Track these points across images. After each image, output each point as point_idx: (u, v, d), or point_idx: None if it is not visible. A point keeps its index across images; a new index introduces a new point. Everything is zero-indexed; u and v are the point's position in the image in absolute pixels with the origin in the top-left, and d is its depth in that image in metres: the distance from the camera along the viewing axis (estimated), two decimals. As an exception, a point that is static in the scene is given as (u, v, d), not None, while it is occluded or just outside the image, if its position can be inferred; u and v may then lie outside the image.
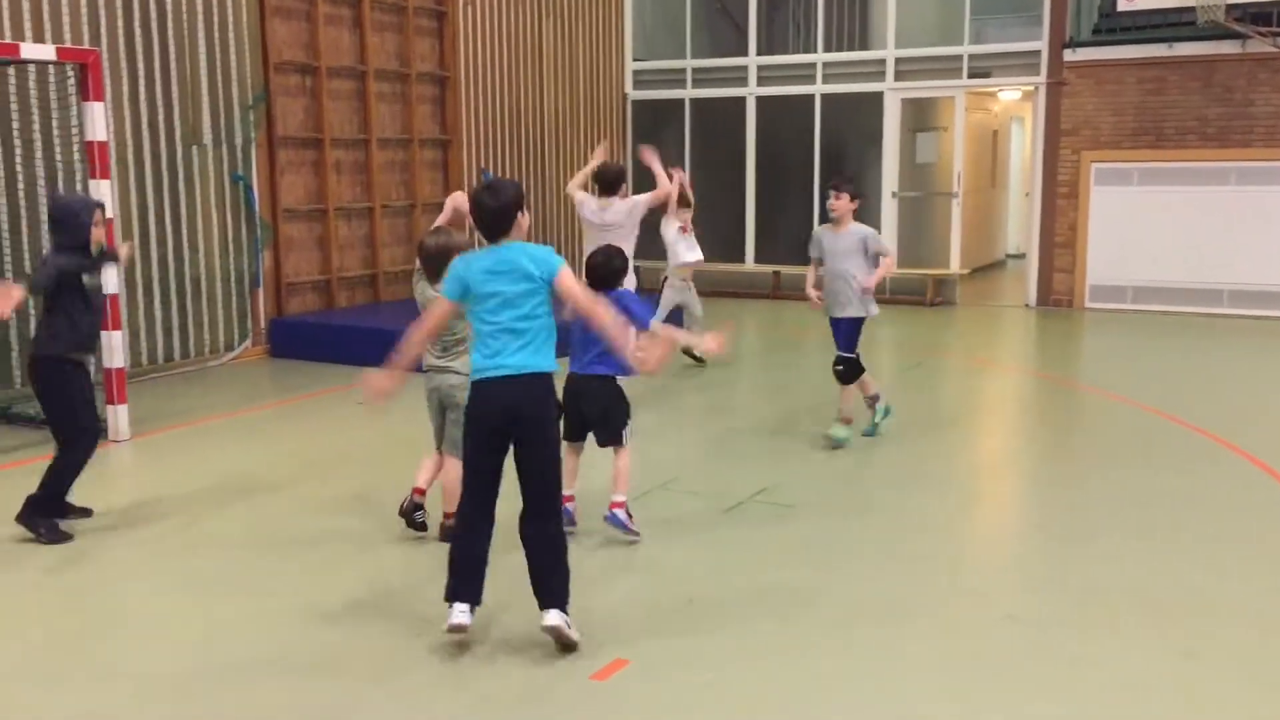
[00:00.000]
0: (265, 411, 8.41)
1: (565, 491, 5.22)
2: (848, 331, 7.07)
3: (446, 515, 5.35)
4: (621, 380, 5.37)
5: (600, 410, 5.28)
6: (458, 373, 5.25)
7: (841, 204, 6.91)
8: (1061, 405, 8.80)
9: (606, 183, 7.82)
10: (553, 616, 4.11)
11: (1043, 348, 11.64)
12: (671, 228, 9.51)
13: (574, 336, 5.21)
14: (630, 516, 5.30)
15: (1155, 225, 12.78)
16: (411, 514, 5.40)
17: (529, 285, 4.06)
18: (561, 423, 4.95)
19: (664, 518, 5.65)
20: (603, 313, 4.27)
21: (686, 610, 4.61)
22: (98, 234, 5.54)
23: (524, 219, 4.20)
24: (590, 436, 5.46)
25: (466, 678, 4.03)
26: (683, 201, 9.67)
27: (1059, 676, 4.04)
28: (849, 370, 7.08)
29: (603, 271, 5.26)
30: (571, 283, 4.12)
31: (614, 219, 7.62)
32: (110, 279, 7.22)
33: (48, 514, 5.51)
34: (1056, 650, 4.24)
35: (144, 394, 8.57)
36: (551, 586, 4.15)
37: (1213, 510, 5.93)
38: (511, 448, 4.14)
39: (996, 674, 4.07)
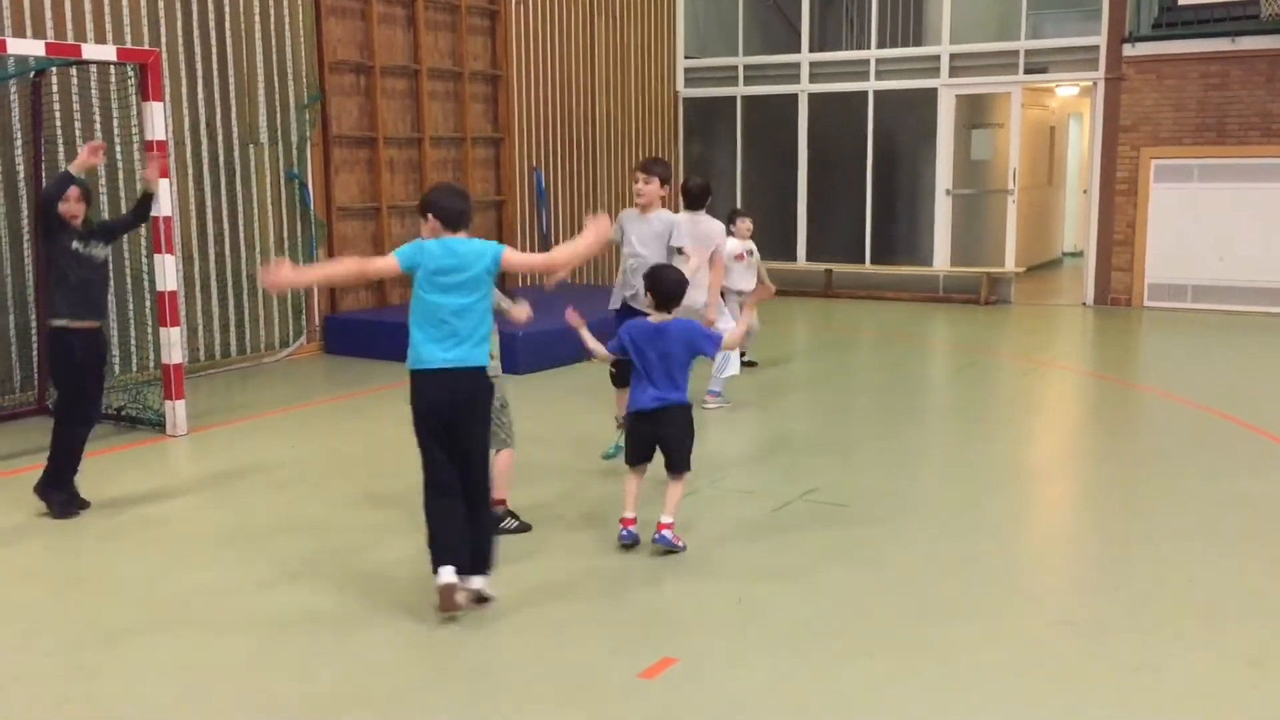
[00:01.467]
0: (319, 407, 8.50)
1: (627, 514, 5.25)
2: None
3: (494, 502, 5.38)
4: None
5: (678, 436, 5.25)
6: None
7: (651, 189, 6.31)
8: (1119, 406, 8.65)
9: (693, 196, 7.44)
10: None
11: (1100, 347, 11.45)
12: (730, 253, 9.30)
13: (649, 370, 5.22)
14: (676, 535, 5.22)
15: (1217, 223, 12.53)
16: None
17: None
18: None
19: (713, 516, 5.63)
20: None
21: (735, 609, 4.59)
22: (65, 209, 5.71)
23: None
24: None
25: (514, 675, 4.04)
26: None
27: (1117, 683, 3.96)
28: (623, 375, 6.09)
29: (676, 290, 5.30)
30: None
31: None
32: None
33: (61, 487, 5.69)
34: (1114, 656, 4.16)
35: (201, 389, 8.70)
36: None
37: (1276, 514, 5.79)
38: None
39: (1052, 680, 4.00)
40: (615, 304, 6.65)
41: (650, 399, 5.19)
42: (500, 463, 5.37)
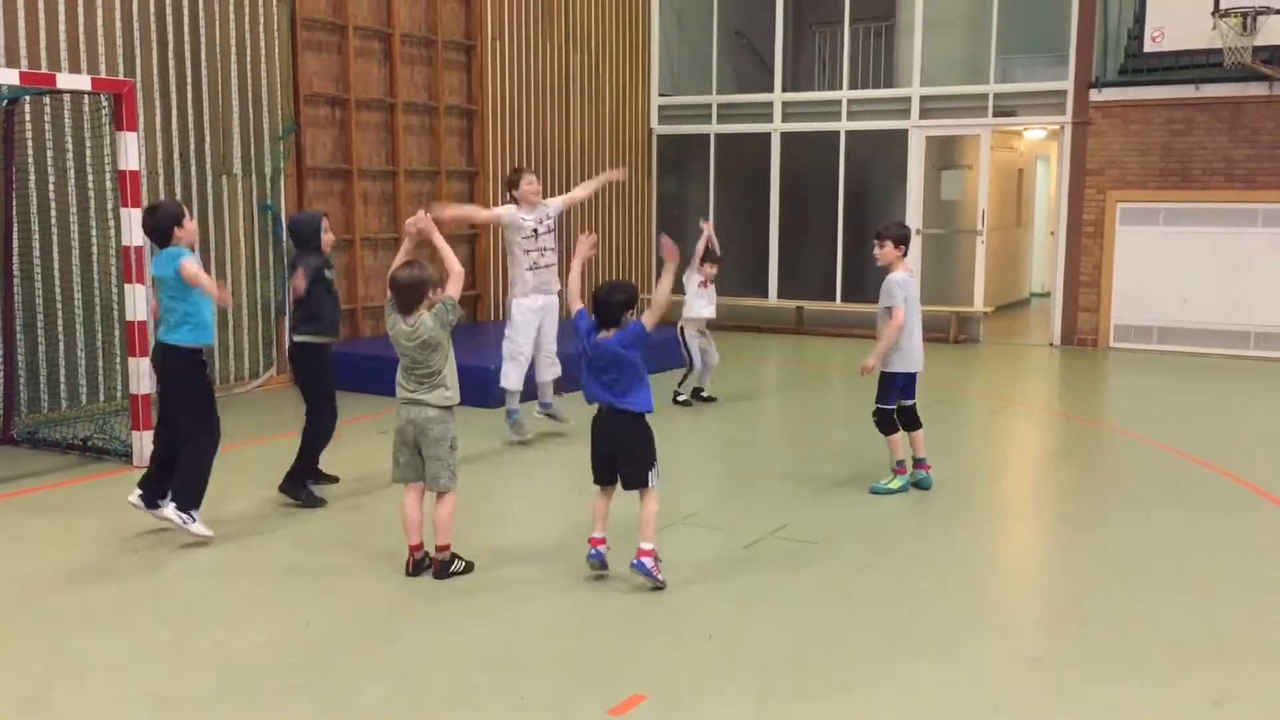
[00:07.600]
0: (287, 440, 8.42)
1: (596, 534, 5.20)
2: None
3: (440, 548, 5.29)
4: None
5: (627, 448, 5.16)
6: (432, 405, 5.22)
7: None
8: (1085, 446, 8.73)
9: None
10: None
11: (1066, 387, 11.57)
12: (693, 281, 9.57)
13: (586, 372, 5.18)
14: (657, 563, 5.16)
15: (1181, 266, 12.72)
16: (419, 571, 5.31)
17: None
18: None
19: (684, 553, 5.63)
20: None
21: (706, 646, 4.59)
22: (328, 239, 6.66)
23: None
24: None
25: (485, 710, 4.02)
26: (708, 256, 9.65)
27: (1083, 721, 3.99)
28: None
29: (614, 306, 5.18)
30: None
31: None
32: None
33: (303, 481, 6.47)
34: (1081, 694, 4.19)
35: (169, 420, 8.60)
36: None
37: (1240, 554, 5.85)
38: None
39: (1021, 717, 4.02)
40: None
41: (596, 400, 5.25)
42: (444, 508, 5.26)
